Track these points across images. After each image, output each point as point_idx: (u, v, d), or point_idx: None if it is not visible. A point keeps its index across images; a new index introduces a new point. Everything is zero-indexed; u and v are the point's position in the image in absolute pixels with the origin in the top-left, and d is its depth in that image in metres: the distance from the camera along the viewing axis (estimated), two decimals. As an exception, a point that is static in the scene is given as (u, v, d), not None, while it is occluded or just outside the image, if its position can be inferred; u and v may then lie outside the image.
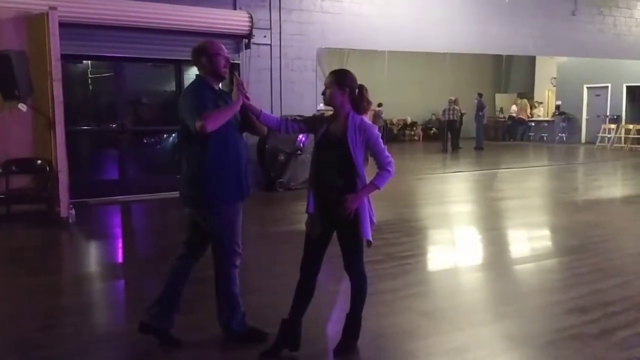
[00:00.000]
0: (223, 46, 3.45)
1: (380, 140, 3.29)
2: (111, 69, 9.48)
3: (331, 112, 3.37)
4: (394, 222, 7.09)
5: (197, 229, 3.54)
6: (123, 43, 8.64)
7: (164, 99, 9.95)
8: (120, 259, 6.08)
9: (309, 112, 10.06)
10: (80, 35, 8.21)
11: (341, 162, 3.20)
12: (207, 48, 3.38)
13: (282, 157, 9.57)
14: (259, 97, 9.72)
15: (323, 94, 3.33)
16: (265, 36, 9.65)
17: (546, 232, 7.15)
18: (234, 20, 9.23)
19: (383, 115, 20.80)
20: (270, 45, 9.74)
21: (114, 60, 9.14)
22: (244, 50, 9.49)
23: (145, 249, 6.48)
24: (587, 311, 4.03)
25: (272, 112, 9.69)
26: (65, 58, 7.87)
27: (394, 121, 21.64)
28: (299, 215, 8.01)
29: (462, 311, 4.15)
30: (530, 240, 6.63)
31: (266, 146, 9.49)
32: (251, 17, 9.29)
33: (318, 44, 10.38)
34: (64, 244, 6.77)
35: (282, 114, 9.86)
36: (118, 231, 7.61)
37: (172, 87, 9.56)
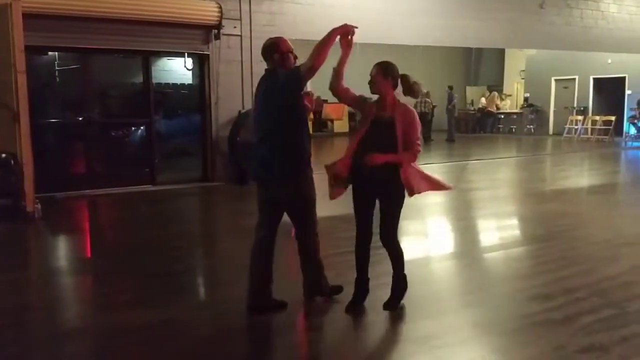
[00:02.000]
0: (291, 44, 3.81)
1: (418, 127, 3.75)
2: (78, 61, 9.29)
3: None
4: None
5: (274, 208, 3.89)
6: (90, 34, 8.46)
7: (132, 91, 9.78)
8: (87, 253, 5.98)
9: (280, 105, 10.02)
10: (45, 27, 8.01)
11: (387, 142, 3.66)
12: (279, 45, 3.78)
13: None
14: (230, 89, 9.66)
15: (370, 83, 3.79)
16: (235, 27, 9.55)
17: (514, 222, 7.28)
18: (203, 10, 9.11)
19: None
20: (241, 36, 9.64)
21: (81, 51, 8.96)
22: (214, 41, 9.38)
23: (113, 243, 6.39)
24: (552, 298, 4.12)
25: (242, 105, 9.72)
26: (30, 50, 7.66)
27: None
28: (270, 207, 8.01)
29: (431, 300, 4.21)
30: (498, 229, 6.75)
31: (237, 138, 9.42)
32: (220, 7, 9.18)
33: (289, 35, 10.28)
34: (30, 239, 6.62)
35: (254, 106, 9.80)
36: (85, 226, 7.49)
37: (140, 78, 9.40)
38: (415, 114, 3.82)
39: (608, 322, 3.65)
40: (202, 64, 9.58)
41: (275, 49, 3.77)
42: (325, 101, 20.68)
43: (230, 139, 9.53)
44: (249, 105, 9.79)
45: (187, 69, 9.64)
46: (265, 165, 3.79)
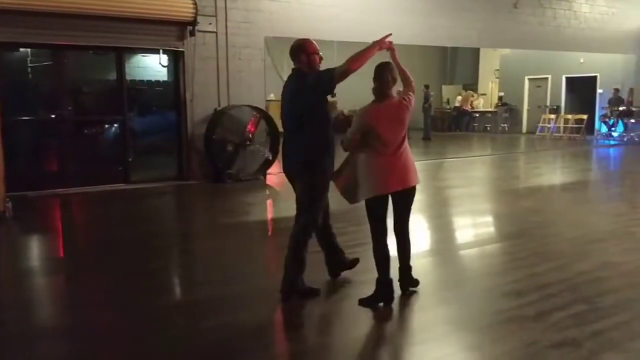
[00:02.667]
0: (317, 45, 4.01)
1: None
2: (50, 57, 9.11)
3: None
4: (343, 212, 7.08)
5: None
6: (62, 30, 8.32)
7: (105, 88, 9.63)
8: (60, 253, 5.88)
9: (258, 103, 9.98)
10: (17, 23, 7.87)
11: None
12: (307, 46, 3.97)
13: (230, 148, 9.46)
14: (206, 86, 9.58)
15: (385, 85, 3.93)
16: (210, 23, 9.47)
17: (488, 219, 7.37)
18: (177, 6, 9.01)
19: (337, 106, 20.92)
20: (216, 33, 9.57)
21: (53, 48, 8.80)
22: (189, 38, 9.29)
23: (86, 242, 6.29)
24: (525, 294, 4.18)
25: (219, 103, 9.66)
26: (1, 46, 7.50)
27: (346, 112, 21.77)
28: (247, 206, 7.97)
29: (406, 297, 4.22)
30: (473, 226, 6.83)
31: (214, 136, 9.36)
32: (195, 4, 9.09)
33: (266, 32, 10.28)
34: (1, 239, 6.48)
35: (230, 104, 9.75)
36: (58, 225, 7.36)
37: (113, 75, 9.27)
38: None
39: (579, 317, 3.72)
40: (177, 60, 9.48)
41: (302, 50, 3.97)
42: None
43: (206, 136, 9.46)
44: (225, 102, 9.74)
45: (162, 66, 9.54)
46: (292, 160, 4.05)
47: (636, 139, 16.28)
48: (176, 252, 5.96)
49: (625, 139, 16.44)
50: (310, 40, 4.04)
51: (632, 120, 16.47)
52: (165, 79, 9.73)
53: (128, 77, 9.34)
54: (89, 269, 5.08)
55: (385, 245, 4.00)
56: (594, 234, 6.09)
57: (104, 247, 5.81)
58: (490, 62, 22.07)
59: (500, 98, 20.93)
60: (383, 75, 3.87)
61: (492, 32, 13.41)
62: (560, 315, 3.77)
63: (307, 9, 10.45)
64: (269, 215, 7.78)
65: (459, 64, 24.13)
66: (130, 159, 9.33)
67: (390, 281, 3.95)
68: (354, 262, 4.48)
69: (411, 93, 4.01)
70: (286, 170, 4.17)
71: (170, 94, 9.72)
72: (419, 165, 13.45)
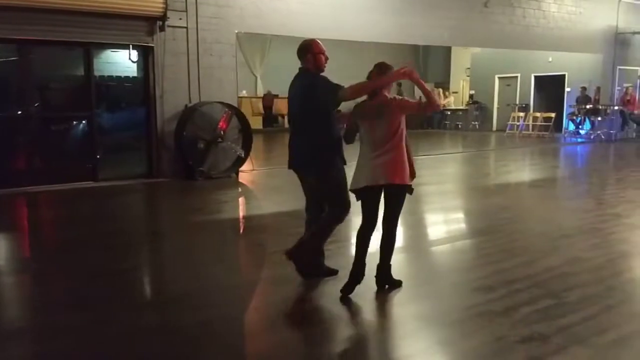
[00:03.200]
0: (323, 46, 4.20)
1: None
2: (17, 53, 8.88)
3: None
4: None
5: (312, 192, 4.29)
6: (29, 25, 8.11)
7: (73, 84, 9.41)
8: (26, 253, 5.74)
9: (229, 100, 9.89)
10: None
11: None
12: (313, 47, 4.14)
13: (201, 145, 9.35)
14: (176, 83, 9.45)
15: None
16: (180, 18, 9.34)
17: (459, 215, 7.45)
18: (147, 1, 8.85)
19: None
20: (187, 28, 9.44)
21: (20, 43, 8.58)
22: (158, 33, 9.14)
23: (53, 241, 6.15)
24: (494, 289, 4.23)
25: (189, 99, 9.54)
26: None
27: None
28: (219, 204, 7.89)
29: (379, 293, 4.23)
30: (444, 223, 6.88)
31: (184, 133, 9.24)
32: (165, -1, 8.96)
33: (237, 28, 10.19)
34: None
35: (201, 100, 9.64)
36: (24, 224, 7.18)
37: (81, 71, 9.07)
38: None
39: (547, 312, 3.77)
40: (146, 56, 9.33)
41: (308, 50, 4.15)
42: (276, 96, 20.62)
43: (176, 133, 9.34)
44: (196, 99, 9.63)
45: (132, 62, 9.37)
46: (298, 156, 4.23)
47: (602, 137, 16.66)
48: (145, 251, 5.86)
49: (592, 137, 16.80)
50: (316, 41, 4.20)
51: (599, 118, 16.85)
52: (135, 74, 9.56)
53: (97, 73, 9.15)
54: (55, 269, 4.96)
55: (363, 238, 4.07)
56: (562, 230, 6.19)
57: (71, 247, 5.68)
58: (461, 61, 22.33)
59: (471, 96, 21.20)
60: (371, 72, 4.03)
61: (463, 31, 13.54)
62: (528, 310, 3.82)
63: (278, 4, 10.39)
64: (241, 213, 7.72)
65: (431, 61, 24.34)
66: (98, 156, 9.15)
67: (358, 264, 4.03)
68: (332, 271, 4.44)
69: (429, 109, 4.05)
70: (294, 166, 4.29)
71: (140, 90, 9.56)
72: (391, 163, 13.17)
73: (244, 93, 20.12)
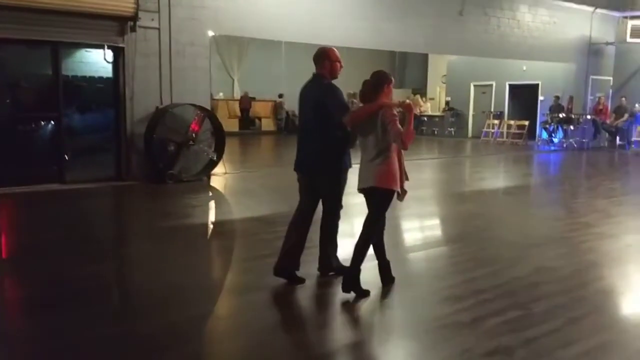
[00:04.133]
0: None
1: None
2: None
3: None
4: (288, 215, 6.92)
5: (311, 193, 4.41)
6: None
7: (40, 83, 9.14)
8: (-18, 258, 5.52)
9: (202, 102, 9.74)
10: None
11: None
12: (331, 54, 4.33)
13: (172, 148, 9.18)
14: (147, 84, 9.28)
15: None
16: (152, 19, 9.17)
17: (432, 222, 7.42)
18: (117, 0, 8.66)
19: (285, 107, 20.76)
20: (159, 29, 9.27)
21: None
22: (129, 34, 8.96)
23: (14, 247, 5.93)
24: (462, 299, 4.18)
25: (161, 101, 9.37)
26: None
27: (296, 112, 21.69)
28: (189, 208, 7.72)
29: (348, 303, 4.15)
30: (418, 230, 6.84)
31: (154, 135, 9.06)
32: (137, -1, 8.79)
33: (212, 30, 10.06)
34: None
35: (173, 102, 9.48)
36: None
37: (48, 70, 8.82)
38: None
39: (513, 323, 3.73)
40: (117, 57, 9.13)
41: (326, 57, 4.32)
42: (253, 99, 20.50)
43: (146, 135, 9.16)
44: (167, 100, 9.47)
45: (107, 62, 9.15)
46: (308, 158, 4.35)
47: (575, 145, 16.88)
48: (111, 257, 5.67)
49: (564, 145, 17.01)
50: (333, 49, 4.38)
51: (572, 127, 17.07)
52: (106, 75, 9.34)
53: (66, 73, 8.92)
54: (18, 275, 4.77)
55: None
56: (532, 238, 6.20)
57: (35, 251, 5.48)
58: (438, 68, 22.48)
59: (447, 103, 21.34)
60: (368, 81, 4.17)
61: (439, 39, 13.60)
62: (495, 321, 3.78)
63: (255, 7, 10.28)
64: (212, 218, 7.57)
65: (408, 68, 24.47)
66: (66, 158, 8.91)
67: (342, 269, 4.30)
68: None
69: (400, 144, 4.05)
70: (301, 166, 4.42)
71: (110, 91, 9.34)
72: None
73: (220, 95, 19.96)
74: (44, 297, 4.22)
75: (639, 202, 8.96)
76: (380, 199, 4.13)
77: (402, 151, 4.15)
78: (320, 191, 4.39)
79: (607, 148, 17.00)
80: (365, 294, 4.13)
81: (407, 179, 4.30)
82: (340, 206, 4.48)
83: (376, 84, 4.13)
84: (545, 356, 3.29)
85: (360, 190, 4.18)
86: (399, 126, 3.97)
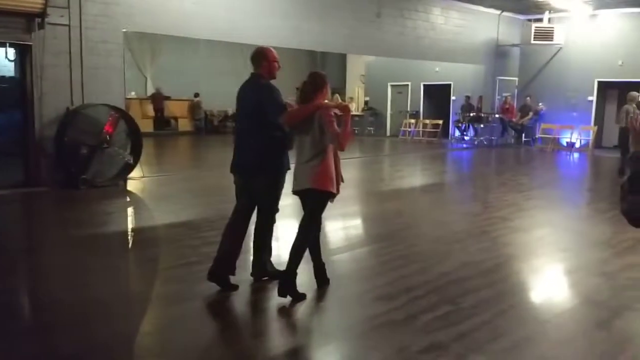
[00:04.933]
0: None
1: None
2: None
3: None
4: (212, 220, 6.83)
5: (248, 195, 4.34)
6: None
7: None
8: None
9: (116, 102, 9.28)
10: None
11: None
12: (269, 54, 4.37)
13: (84, 151, 8.68)
14: (57, 84, 8.72)
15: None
16: (62, 16, 8.61)
17: (357, 222, 7.50)
18: (24, -5, 8.08)
19: (203, 106, 20.27)
20: (69, 26, 8.73)
21: None
22: (37, 31, 8.37)
23: None
24: (394, 297, 4.24)
25: (71, 102, 8.84)
26: None
27: (215, 112, 21.28)
28: (105, 215, 7.31)
29: (282, 309, 4.08)
30: (343, 230, 6.86)
31: (65, 138, 8.53)
32: (45, -6, 8.22)
33: (125, 27, 9.61)
34: None
35: (85, 102, 8.97)
36: None
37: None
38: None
39: (445, 319, 3.83)
40: (24, 55, 8.49)
41: (264, 57, 4.34)
42: (167, 98, 19.84)
43: (57, 138, 8.60)
44: (79, 101, 8.95)
45: (9, 60, 8.49)
46: (246, 159, 4.32)
47: (485, 143, 17.73)
48: (19, 270, 5.25)
49: (475, 143, 17.83)
50: (271, 49, 4.42)
51: (482, 126, 17.93)
52: (10, 74, 8.67)
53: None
54: None
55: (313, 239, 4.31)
56: (453, 234, 6.41)
57: None
58: (356, 68, 22.84)
59: (366, 102, 21.73)
60: (307, 82, 4.15)
61: (357, 39, 13.80)
62: (428, 317, 3.86)
63: (169, 4, 9.94)
64: (131, 225, 7.21)
65: (327, 68, 24.64)
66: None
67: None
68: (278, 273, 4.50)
69: (337, 146, 4.07)
70: (239, 168, 4.37)
71: (16, 92, 8.69)
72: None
73: (132, 94, 19.15)
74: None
75: (547, 195, 9.55)
76: (317, 201, 4.11)
77: (339, 153, 4.13)
78: (257, 193, 4.33)
79: (514, 145, 17.98)
80: (301, 297, 4.08)
81: (342, 180, 4.28)
82: (276, 209, 4.43)
83: (315, 85, 4.12)
84: (477, 350, 3.39)
85: (295, 192, 4.14)
86: (336, 127, 3.96)
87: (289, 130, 4.19)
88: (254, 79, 4.36)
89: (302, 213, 4.23)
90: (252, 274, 4.51)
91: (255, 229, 4.45)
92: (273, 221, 4.47)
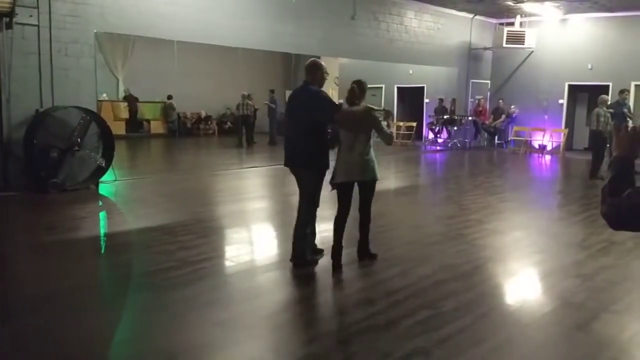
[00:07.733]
0: None
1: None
2: None
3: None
4: (188, 224, 6.72)
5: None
6: None
7: None
8: None
9: (87, 104, 9.07)
10: None
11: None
12: (323, 67, 5.14)
13: (55, 154, 8.45)
14: (25, 85, 8.49)
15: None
16: (31, 15, 8.38)
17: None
18: (-10, -6, 7.83)
19: (176, 108, 20.00)
20: (38, 26, 8.50)
21: None
22: (5, 31, 8.12)
23: None
24: (375, 302, 4.21)
25: (41, 104, 8.61)
26: None
27: (188, 114, 21.04)
28: (76, 220, 7.12)
29: (259, 315, 4.02)
30: (318, 234, 6.79)
31: (35, 141, 8.30)
32: (13, -7, 7.98)
33: (97, 27, 9.40)
34: None
35: (55, 105, 8.75)
36: None
37: None
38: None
39: (426, 324, 3.81)
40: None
41: (320, 68, 5.10)
42: (137, 100, 19.53)
43: (25, 141, 8.36)
44: (48, 103, 8.72)
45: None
46: (301, 158, 5.00)
47: (458, 145, 17.90)
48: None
49: (449, 145, 17.98)
50: (323, 62, 5.20)
51: (455, 128, 18.09)
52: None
53: None
54: None
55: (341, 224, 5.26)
56: (432, 236, 6.43)
57: None
58: (330, 70, 22.66)
59: (340, 105, 21.72)
60: (354, 87, 5.08)
61: (332, 42, 13.79)
62: (409, 322, 3.84)
63: (143, 5, 9.76)
64: (104, 229, 7.04)
65: (302, 69, 24.54)
66: None
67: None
68: (319, 251, 5.45)
69: (384, 140, 5.19)
70: (293, 164, 5.10)
71: (-18, 93, 8.42)
72: (265, 171, 13.16)
73: (104, 96, 18.80)
74: None
75: (520, 198, 9.67)
76: (374, 188, 5.14)
77: None
78: (304, 184, 5.05)
79: (487, 147, 18.19)
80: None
81: None
82: (317, 200, 5.21)
83: (361, 90, 5.05)
84: (459, 355, 3.38)
85: (344, 183, 4.97)
86: (387, 129, 4.98)
87: (337, 129, 4.94)
88: (307, 85, 5.04)
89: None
90: (291, 260, 5.15)
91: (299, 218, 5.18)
92: (315, 209, 5.23)
